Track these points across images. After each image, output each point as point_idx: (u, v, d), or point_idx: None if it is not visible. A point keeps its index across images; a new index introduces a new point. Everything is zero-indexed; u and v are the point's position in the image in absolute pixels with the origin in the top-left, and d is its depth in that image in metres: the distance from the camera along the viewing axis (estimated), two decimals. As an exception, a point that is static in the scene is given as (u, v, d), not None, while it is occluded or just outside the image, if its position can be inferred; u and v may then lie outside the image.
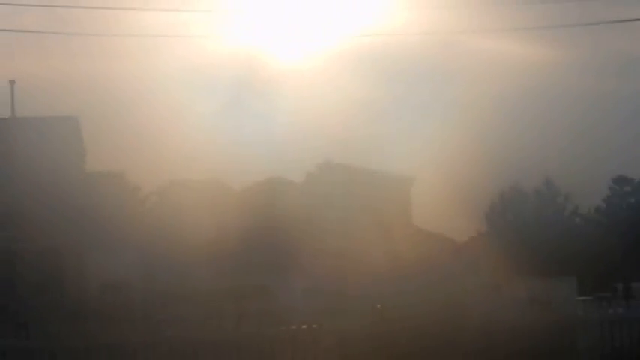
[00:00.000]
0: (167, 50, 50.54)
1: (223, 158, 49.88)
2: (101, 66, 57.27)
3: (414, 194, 49.07)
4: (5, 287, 39.58)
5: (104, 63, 59.31)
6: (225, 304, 35.01)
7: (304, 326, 19.05)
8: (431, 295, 22.42)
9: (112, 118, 52.07)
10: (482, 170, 55.28)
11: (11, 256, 40.03)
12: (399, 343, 17.89)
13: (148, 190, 48.55)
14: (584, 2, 32.93)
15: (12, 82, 44.13)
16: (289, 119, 53.36)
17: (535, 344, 18.63)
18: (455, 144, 55.61)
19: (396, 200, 46.61)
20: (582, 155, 60.60)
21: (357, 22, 43.57)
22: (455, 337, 17.99)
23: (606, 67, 72.84)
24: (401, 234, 44.08)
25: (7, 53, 58.58)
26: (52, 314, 33.95)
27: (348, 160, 48.05)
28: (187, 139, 49.74)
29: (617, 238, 57.83)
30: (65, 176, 40.82)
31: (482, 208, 60.13)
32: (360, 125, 56.33)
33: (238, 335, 18.62)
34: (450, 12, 39.27)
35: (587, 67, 70.49)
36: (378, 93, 63.78)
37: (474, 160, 54.58)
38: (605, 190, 63.29)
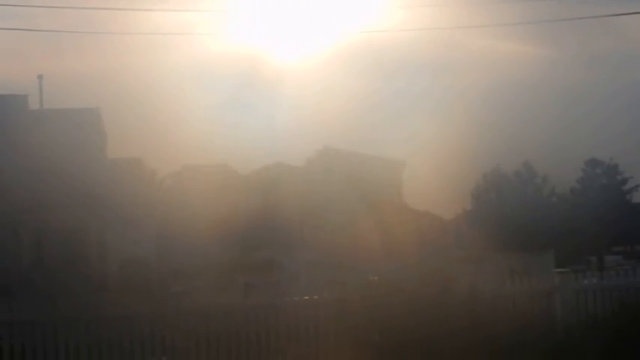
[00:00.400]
0: (177, 48, 50.49)
1: (231, 145, 49.81)
2: (119, 62, 57.23)
3: (406, 176, 49.01)
4: (34, 264, 39.53)
5: (121, 59, 59.27)
6: (234, 277, 34.92)
7: (306, 297, 18.86)
8: (421, 267, 22.24)
9: (130, 109, 51.96)
10: (468, 154, 55.25)
11: (39, 237, 39.96)
12: (392, 314, 17.73)
13: (164, 174, 48.42)
14: (570, 1, 32.75)
15: (40, 76, 44.06)
16: (291, 110, 53.28)
17: (514, 310, 18.47)
18: (444, 131, 55.56)
19: (389, 182, 46.50)
20: (558, 140, 60.65)
21: (355, 20, 43.39)
22: (443, 305, 17.83)
23: (581, 60, 72.77)
24: (393, 212, 43.95)
25: (35, 51, 58.37)
26: (75, 288, 33.86)
27: (345, 146, 47.96)
28: (198, 128, 49.62)
29: (591, 215, 57.76)
30: (88, 162, 40.71)
31: (468, 188, 60.17)
32: (357, 115, 56.25)
33: (245, 305, 18.41)
34: (443, 10, 39.15)
35: (563, 61, 70.42)
36: (374, 85, 63.69)
37: (461, 145, 54.52)
38: (579, 172, 63.33)
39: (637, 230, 57.84)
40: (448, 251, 41.12)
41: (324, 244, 41.83)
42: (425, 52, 62.49)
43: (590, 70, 72.95)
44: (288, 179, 45.17)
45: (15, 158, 39.95)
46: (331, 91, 56.56)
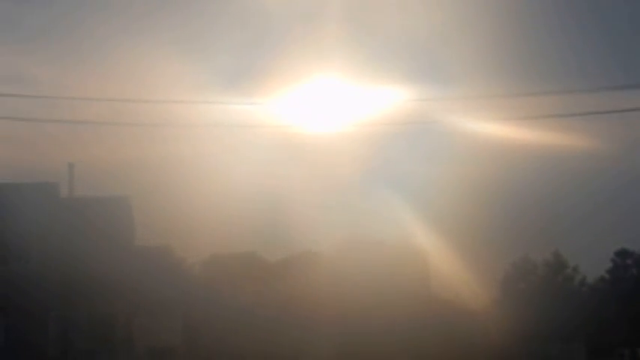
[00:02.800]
0: (205, 137, 50.83)
1: (259, 234, 50.08)
2: (148, 151, 57.84)
3: (434, 265, 49.02)
4: (61, 351, 39.69)
5: (150, 149, 59.93)
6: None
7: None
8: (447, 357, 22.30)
9: (161, 197, 52.38)
10: (498, 243, 55.23)
11: (67, 323, 40.16)
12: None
13: (192, 262, 48.68)
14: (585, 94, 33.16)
15: (71, 165, 44.51)
16: (317, 198, 53.50)
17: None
18: (472, 220, 55.60)
19: (415, 270, 46.55)
20: (588, 231, 60.46)
21: (377, 111, 43.61)
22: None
23: (609, 153, 72.79)
24: (420, 301, 43.94)
25: (67, 140, 59.20)
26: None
27: (371, 233, 48.12)
28: (227, 216, 49.92)
29: (622, 307, 57.33)
30: (117, 250, 41.03)
31: (497, 277, 59.98)
32: (381, 202, 56.35)
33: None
34: (470, 100, 39.45)
35: (591, 153, 70.52)
36: (399, 172, 63.84)
37: (489, 234, 54.56)
38: (608, 262, 63.01)
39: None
40: (475, 341, 40.98)
41: (352, 332, 41.78)
42: (453, 142, 62.82)
43: (620, 164, 72.96)
44: (316, 267, 45.36)
45: (45, 246, 40.39)
46: (359, 179, 56.84)
